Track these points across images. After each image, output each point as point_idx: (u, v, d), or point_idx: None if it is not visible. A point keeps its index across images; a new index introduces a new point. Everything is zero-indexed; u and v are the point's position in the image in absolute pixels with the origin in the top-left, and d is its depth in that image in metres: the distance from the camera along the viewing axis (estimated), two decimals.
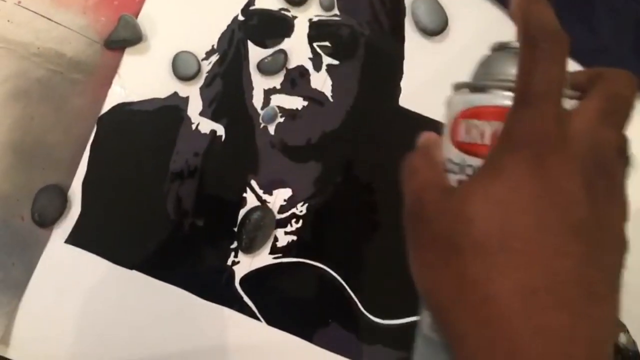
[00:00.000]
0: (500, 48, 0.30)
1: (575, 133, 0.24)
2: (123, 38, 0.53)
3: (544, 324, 0.23)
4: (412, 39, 0.56)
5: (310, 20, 0.56)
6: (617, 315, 0.24)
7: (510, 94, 0.26)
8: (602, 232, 0.24)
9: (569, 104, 0.26)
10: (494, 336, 0.23)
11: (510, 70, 0.28)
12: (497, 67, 0.29)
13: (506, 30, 0.29)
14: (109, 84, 0.53)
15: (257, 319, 0.53)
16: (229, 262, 0.53)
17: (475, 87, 0.29)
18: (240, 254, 0.53)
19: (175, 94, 0.54)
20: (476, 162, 0.27)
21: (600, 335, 0.24)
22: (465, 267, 0.24)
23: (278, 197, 0.54)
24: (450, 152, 0.28)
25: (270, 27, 0.55)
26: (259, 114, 0.54)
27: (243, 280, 0.53)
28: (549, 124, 0.24)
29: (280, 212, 0.54)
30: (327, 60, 0.55)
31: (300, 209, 0.54)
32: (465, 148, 0.28)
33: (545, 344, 0.22)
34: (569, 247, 0.23)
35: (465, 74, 0.61)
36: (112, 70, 0.54)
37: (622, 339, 0.59)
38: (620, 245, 0.25)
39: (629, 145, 0.27)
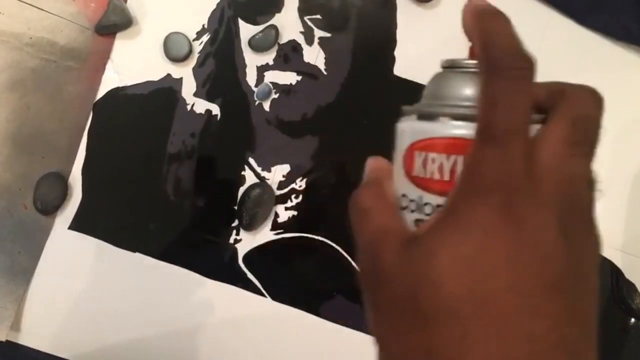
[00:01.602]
0: (452, 66, 0.26)
1: (544, 170, 0.22)
2: (113, 22, 0.53)
3: None
4: (404, 7, 0.56)
5: None
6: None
7: (468, 123, 0.24)
8: (578, 281, 0.22)
9: (531, 129, 0.23)
10: None
11: (466, 93, 0.25)
12: (450, 89, 0.26)
13: None
14: (102, 69, 0.54)
15: (262, 295, 0.53)
16: (231, 240, 0.53)
17: (427, 114, 0.25)
18: (241, 231, 0.53)
19: (169, 75, 0.54)
20: (435, 199, 0.24)
21: None
22: (434, 336, 0.21)
23: (277, 174, 0.54)
24: (405, 187, 0.25)
25: (260, 3, 0.55)
26: (253, 91, 0.54)
27: (246, 258, 0.53)
28: (517, 165, 0.21)
29: (279, 188, 0.54)
30: (319, 33, 0.55)
31: (300, 184, 0.54)
32: (423, 184, 0.25)
33: None
34: (547, 306, 0.21)
35: (459, 39, 0.60)
36: (104, 56, 0.54)
37: (636, 299, 0.58)
38: (594, 290, 0.23)
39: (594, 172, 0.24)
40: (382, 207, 0.25)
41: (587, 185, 0.23)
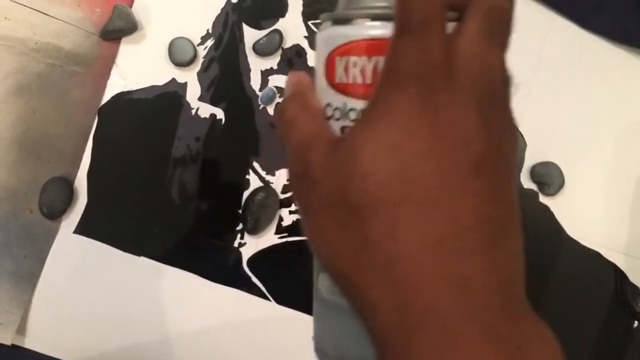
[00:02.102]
0: None
1: (461, 60, 0.22)
2: (118, 28, 0.53)
3: (456, 276, 0.21)
4: None
5: None
6: (522, 242, 0.23)
7: (385, 23, 0.23)
8: (499, 163, 0.23)
9: (448, 27, 0.23)
10: (405, 297, 0.21)
11: None
12: None
13: None
14: (107, 74, 0.54)
15: (267, 298, 0.53)
16: (236, 244, 0.53)
17: (343, 18, 0.25)
18: (246, 235, 0.53)
19: (174, 80, 0.54)
20: (359, 104, 0.24)
21: (513, 274, 0.23)
22: (366, 227, 0.22)
23: (281, 177, 0.54)
24: (329, 96, 0.25)
25: (264, 8, 0.55)
26: (257, 96, 0.54)
27: (250, 261, 0.53)
28: (435, 54, 0.22)
29: (283, 191, 0.54)
30: None
31: None
32: (345, 89, 0.24)
33: (459, 296, 0.21)
34: (471, 185, 0.22)
35: None
36: (110, 61, 0.54)
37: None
38: (515, 174, 0.24)
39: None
40: (308, 116, 0.25)
41: (502, 78, 0.23)
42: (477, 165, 0.22)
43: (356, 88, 0.24)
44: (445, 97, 0.22)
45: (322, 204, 0.23)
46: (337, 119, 0.25)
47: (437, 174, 0.21)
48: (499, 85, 0.23)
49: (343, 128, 0.24)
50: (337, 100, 0.25)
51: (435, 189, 0.21)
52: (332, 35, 0.25)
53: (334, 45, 0.24)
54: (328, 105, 0.25)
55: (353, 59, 0.24)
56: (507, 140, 0.23)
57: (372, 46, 0.24)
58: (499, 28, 0.23)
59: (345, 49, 0.24)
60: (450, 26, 0.23)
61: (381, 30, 0.23)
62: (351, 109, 0.24)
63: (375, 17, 0.24)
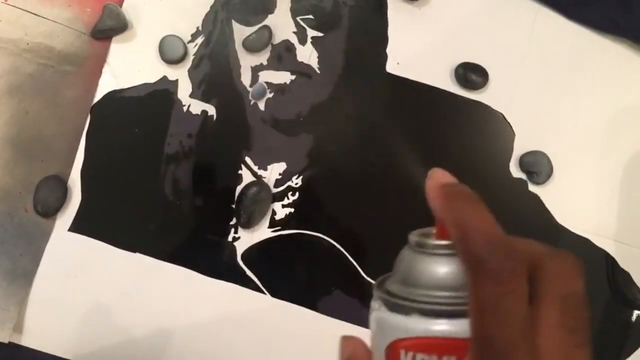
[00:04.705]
0: (422, 246, 0.23)
1: None
2: (109, 27, 0.54)
3: None
4: (395, 5, 0.57)
5: None
6: None
7: (452, 320, 0.21)
8: None
9: None
10: None
11: (443, 281, 0.22)
12: (424, 276, 0.22)
13: None
14: (99, 73, 0.54)
15: (262, 292, 0.54)
16: (230, 239, 0.54)
17: (402, 308, 0.22)
18: (240, 229, 0.54)
19: (165, 77, 0.55)
20: None
21: None
22: None
23: (273, 172, 0.54)
24: None
25: (252, 4, 0.56)
26: (248, 91, 0.55)
27: (245, 255, 0.54)
28: None
29: (276, 186, 0.54)
30: (311, 32, 0.56)
31: (296, 181, 0.55)
32: None
33: None
34: None
35: (448, 37, 0.60)
36: (101, 60, 0.55)
37: (632, 288, 0.59)
38: None
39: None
40: None
41: None
42: None
43: None
44: None
45: None
46: None
47: None
48: None
49: None
50: None
51: None
52: (392, 324, 0.22)
53: (395, 337, 0.22)
54: None
55: (421, 355, 0.21)
56: None
57: (443, 345, 0.21)
58: (581, 321, 0.20)
59: (410, 344, 0.22)
60: None
61: (449, 327, 0.21)
62: None
63: (440, 314, 0.21)
